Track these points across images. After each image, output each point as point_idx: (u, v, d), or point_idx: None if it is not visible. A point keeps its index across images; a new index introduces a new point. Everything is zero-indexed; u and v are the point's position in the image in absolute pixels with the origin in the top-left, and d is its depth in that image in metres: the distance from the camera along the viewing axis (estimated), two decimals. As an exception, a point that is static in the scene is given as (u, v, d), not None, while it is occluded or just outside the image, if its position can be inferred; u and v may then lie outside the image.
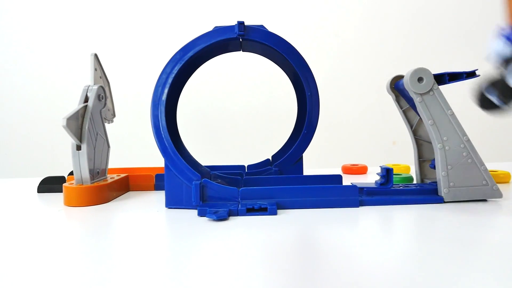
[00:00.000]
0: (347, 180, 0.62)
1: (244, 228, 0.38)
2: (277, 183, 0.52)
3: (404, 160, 0.80)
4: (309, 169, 0.57)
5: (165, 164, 0.47)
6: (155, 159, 0.68)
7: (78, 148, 0.52)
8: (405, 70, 0.53)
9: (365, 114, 1.20)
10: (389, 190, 0.49)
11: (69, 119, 0.49)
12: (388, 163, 0.74)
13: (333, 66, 1.19)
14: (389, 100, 0.57)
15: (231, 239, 0.35)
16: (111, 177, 0.58)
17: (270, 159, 0.64)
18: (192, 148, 0.58)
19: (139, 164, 0.75)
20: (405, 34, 1.19)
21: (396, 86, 0.52)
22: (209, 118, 1.18)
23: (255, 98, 1.18)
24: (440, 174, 0.46)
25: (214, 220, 0.41)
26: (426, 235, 0.35)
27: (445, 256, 0.30)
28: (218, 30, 0.51)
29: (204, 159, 0.62)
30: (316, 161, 0.76)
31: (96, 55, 0.56)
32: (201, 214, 0.43)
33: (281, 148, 0.64)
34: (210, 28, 0.51)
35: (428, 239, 0.34)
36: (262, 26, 0.52)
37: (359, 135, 1.20)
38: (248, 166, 0.64)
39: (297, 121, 0.63)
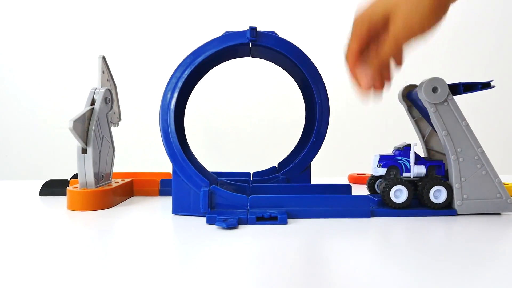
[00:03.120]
0: (355, 189, 0.61)
1: (254, 237, 0.37)
2: (286, 192, 0.51)
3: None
4: (314, 177, 0.57)
5: (173, 170, 0.46)
6: (160, 164, 0.67)
7: (84, 151, 0.51)
8: (413, 79, 0.53)
9: (371, 122, 1.19)
10: (400, 201, 0.48)
11: (75, 122, 0.48)
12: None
13: (342, 74, 1.18)
14: (397, 109, 0.56)
15: (241, 249, 0.34)
16: (115, 182, 0.57)
17: (276, 166, 0.64)
18: (196, 153, 0.57)
19: (144, 169, 0.74)
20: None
21: (409, 96, 0.52)
22: (214, 123, 1.17)
23: (261, 105, 1.17)
24: (453, 186, 0.45)
25: (224, 228, 0.40)
26: (439, 249, 0.34)
27: (457, 270, 0.29)
28: (229, 35, 0.50)
29: (208, 165, 0.61)
30: (321, 170, 0.75)
31: (104, 58, 0.56)
32: (210, 221, 0.42)
33: (288, 155, 0.63)
34: (219, 33, 0.50)
35: (440, 253, 0.33)
36: (273, 32, 0.52)
37: (365, 144, 1.19)
38: (254, 173, 0.63)
39: (305, 129, 0.62)
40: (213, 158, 1.15)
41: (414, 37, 0.36)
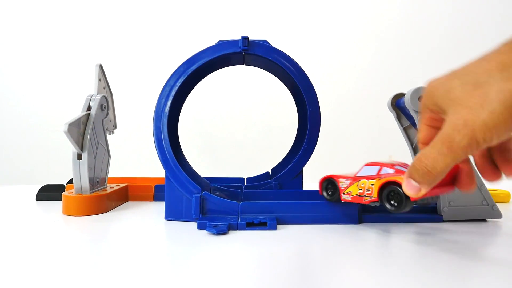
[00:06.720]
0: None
1: (244, 243, 0.38)
2: (277, 198, 0.52)
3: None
4: (307, 183, 0.58)
5: (166, 176, 0.47)
6: (155, 169, 0.68)
7: (79, 157, 0.52)
8: (405, 87, 0.54)
9: (363, 129, 1.20)
10: (388, 207, 0.49)
11: (70, 125, 0.49)
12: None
13: (334, 81, 1.19)
14: (388, 115, 0.57)
15: (230, 254, 0.35)
16: (110, 187, 0.58)
17: (270, 172, 0.65)
18: (191, 158, 0.58)
19: (139, 174, 0.75)
20: (406, 51, 1.20)
21: (397, 104, 0.53)
22: (209, 129, 1.18)
23: (255, 111, 1.18)
24: (439, 192, 0.46)
25: (214, 234, 0.41)
26: (425, 255, 0.35)
27: (443, 276, 0.30)
28: (222, 44, 0.51)
29: (202, 170, 0.62)
30: (313, 175, 0.76)
31: (101, 66, 0.57)
32: (200, 227, 0.43)
33: (281, 161, 0.64)
34: (213, 42, 0.52)
35: (426, 259, 0.34)
36: (265, 41, 0.53)
37: (356, 150, 1.20)
38: (248, 179, 0.64)
39: (298, 135, 0.63)
40: (207, 163, 1.16)
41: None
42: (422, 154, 0.31)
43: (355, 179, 0.43)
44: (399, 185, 0.37)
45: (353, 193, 0.42)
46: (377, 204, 0.40)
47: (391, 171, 0.40)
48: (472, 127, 0.27)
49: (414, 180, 0.32)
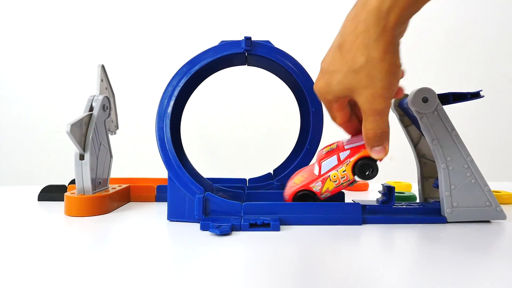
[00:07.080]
0: (347, 197, 0.61)
1: (247, 244, 0.38)
2: (280, 199, 0.52)
3: (403, 177, 0.80)
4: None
5: (169, 177, 0.47)
6: (157, 170, 0.68)
7: (81, 157, 0.52)
8: (406, 88, 0.54)
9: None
10: (392, 209, 0.48)
11: (73, 126, 0.49)
12: (389, 181, 0.74)
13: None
14: (390, 116, 0.57)
15: (233, 255, 0.35)
16: (112, 187, 0.58)
17: (272, 173, 0.64)
18: (193, 159, 0.58)
19: (141, 174, 0.75)
20: (409, 53, 1.20)
21: (400, 105, 0.52)
22: (211, 130, 1.18)
23: (257, 111, 1.18)
24: (443, 193, 0.46)
25: (217, 234, 0.40)
26: (428, 256, 0.35)
27: (446, 278, 0.29)
28: (225, 44, 0.51)
29: (204, 171, 0.62)
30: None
31: (103, 66, 0.57)
32: (203, 228, 0.43)
33: (283, 162, 0.64)
34: (216, 42, 0.51)
35: (430, 261, 0.34)
36: (268, 41, 0.53)
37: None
38: (250, 179, 0.64)
39: (300, 136, 0.63)
40: (210, 164, 1.16)
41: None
42: (368, 128, 0.40)
43: (324, 177, 0.46)
44: (363, 158, 0.44)
45: (330, 188, 0.46)
46: (356, 182, 0.46)
47: (348, 152, 0.45)
48: (380, 95, 0.37)
49: (377, 146, 0.41)
